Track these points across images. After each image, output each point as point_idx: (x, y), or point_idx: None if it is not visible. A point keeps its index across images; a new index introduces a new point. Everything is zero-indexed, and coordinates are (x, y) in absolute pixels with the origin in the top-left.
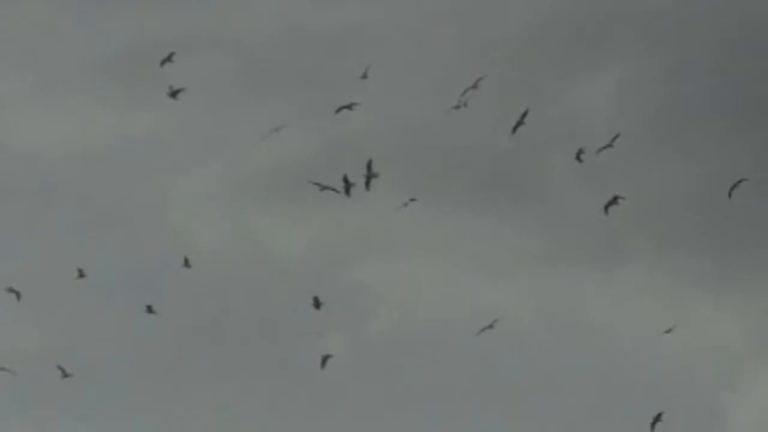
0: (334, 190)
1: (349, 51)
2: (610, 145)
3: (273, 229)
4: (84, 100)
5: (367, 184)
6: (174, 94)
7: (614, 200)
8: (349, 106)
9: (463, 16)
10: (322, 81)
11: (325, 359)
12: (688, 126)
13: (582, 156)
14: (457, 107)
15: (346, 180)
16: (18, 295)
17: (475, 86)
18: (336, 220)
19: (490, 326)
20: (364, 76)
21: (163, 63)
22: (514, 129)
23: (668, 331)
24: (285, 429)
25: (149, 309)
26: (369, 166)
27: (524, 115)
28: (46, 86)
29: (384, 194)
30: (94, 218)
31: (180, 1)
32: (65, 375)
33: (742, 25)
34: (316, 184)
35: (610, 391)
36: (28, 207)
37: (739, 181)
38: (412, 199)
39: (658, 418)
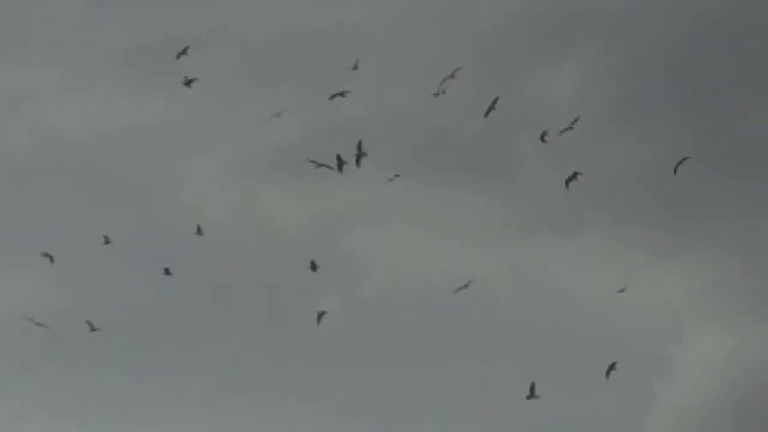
0: (328, 167)
1: (341, 46)
2: (570, 128)
3: (275, 202)
4: (108, 89)
5: (358, 161)
6: (188, 82)
7: (574, 176)
8: (341, 94)
9: (442, 16)
10: (317, 72)
11: (320, 315)
12: (639, 112)
13: (546, 137)
14: (437, 94)
15: (339, 158)
16: (52, 259)
17: (452, 76)
18: (330, 193)
19: (465, 286)
20: (355, 68)
21: (179, 56)
22: (486, 113)
23: (621, 291)
24: (285, 377)
25: (166, 271)
26: (359, 146)
27: (495, 101)
28: (75, 77)
29: (372, 171)
30: (118, 192)
31: (192, 2)
32: (93, 329)
33: (685, 27)
34: (312, 161)
35: (570, 343)
36: (59, 182)
37: (683, 160)
38: (397, 175)
39: (612, 367)
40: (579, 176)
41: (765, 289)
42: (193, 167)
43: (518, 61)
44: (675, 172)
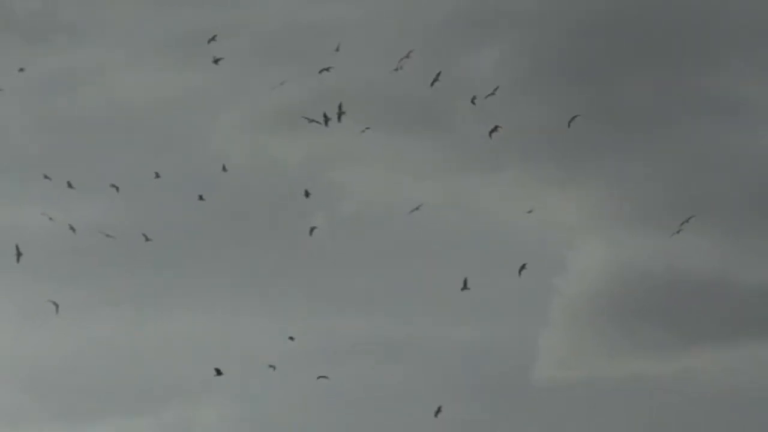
0: (317, 122)
1: (327, 34)
2: (493, 94)
3: (279, 147)
4: (157, 66)
5: (339, 118)
6: (216, 61)
7: (495, 128)
8: (327, 69)
9: (399, 12)
10: (309, 53)
11: (312, 229)
12: (544, 82)
13: (475, 101)
14: (396, 70)
15: (325, 116)
16: (117, 189)
17: (407, 56)
18: (319, 141)
19: (417, 209)
20: (337, 50)
21: (209, 41)
22: (432, 83)
23: (530, 212)
24: (286, 274)
25: (201, 197)
26: (340, 106)
27: (438, 75)
28: (133, 57)
29: (350, 125)
30: (165, 140)
31: (220, 3)
32: (147, 239)
33: (583, 18)
34: (306, 118)
35: (492, 250)
36: (124, 134)
37: (574, 117)
38: (368, 128)
39: (523, 267)
40: (499, 129)
41: (634, 211)
42: (220, 122)
43: (455, 45)
44: (568, 125)
